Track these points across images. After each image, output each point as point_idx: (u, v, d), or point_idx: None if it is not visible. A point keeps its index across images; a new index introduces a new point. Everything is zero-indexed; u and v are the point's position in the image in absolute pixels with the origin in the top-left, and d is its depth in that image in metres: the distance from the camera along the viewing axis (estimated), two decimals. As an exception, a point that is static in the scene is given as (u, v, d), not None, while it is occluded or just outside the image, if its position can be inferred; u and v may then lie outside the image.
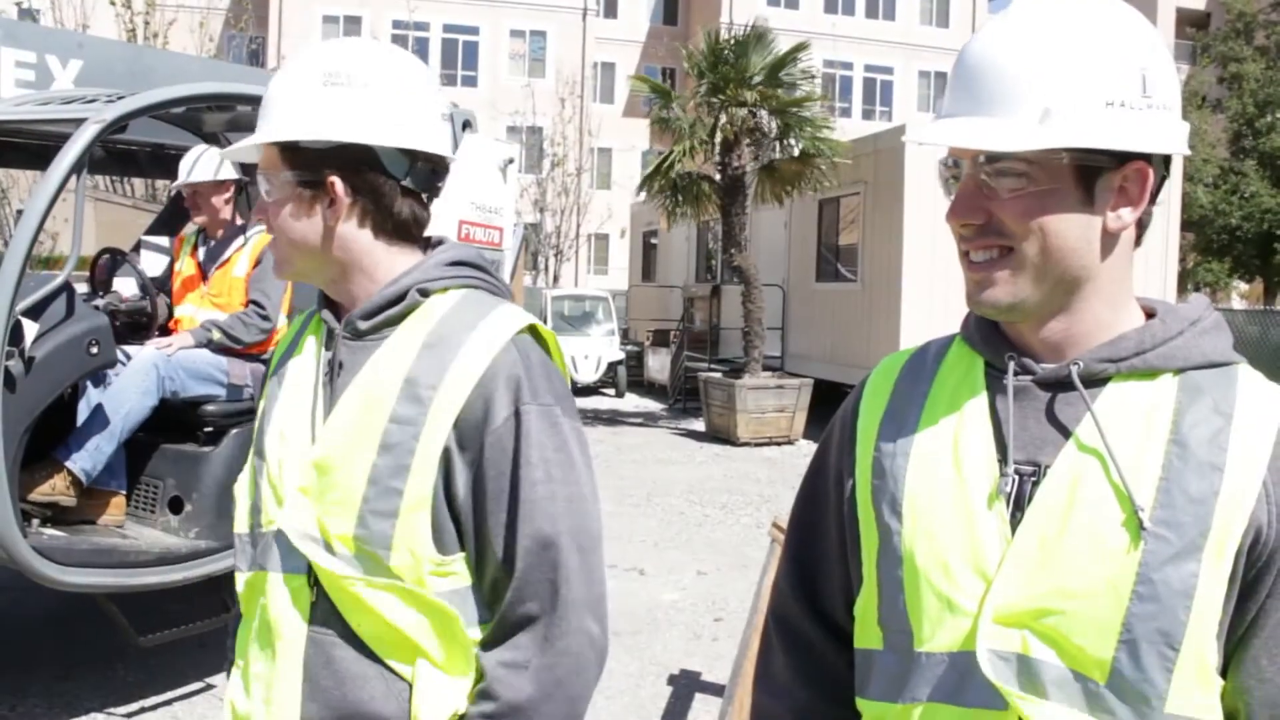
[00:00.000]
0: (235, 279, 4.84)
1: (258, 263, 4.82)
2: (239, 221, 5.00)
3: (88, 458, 4.25)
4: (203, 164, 4.84)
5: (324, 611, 1.44)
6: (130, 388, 4.33)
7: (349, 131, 1.43)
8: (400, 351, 1.44)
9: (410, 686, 1.43)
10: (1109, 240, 1.15)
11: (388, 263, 1.50)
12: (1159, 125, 1.12)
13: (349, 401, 1.45)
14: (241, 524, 1.57)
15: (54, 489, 4.19)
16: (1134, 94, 1.10)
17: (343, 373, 1.47)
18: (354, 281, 1.50)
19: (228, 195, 4.95)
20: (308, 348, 1.56)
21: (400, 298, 1.47)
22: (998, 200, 1.14)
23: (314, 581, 1.45)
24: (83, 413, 4.32)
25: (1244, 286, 34.17)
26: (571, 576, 1.41)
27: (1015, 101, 1.10)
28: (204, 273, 4.95)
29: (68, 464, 4.22)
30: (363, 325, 1.48)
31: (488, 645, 1.43)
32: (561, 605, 1.41)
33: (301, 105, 1.43)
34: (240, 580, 1.56)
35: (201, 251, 5.00)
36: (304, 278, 1.53)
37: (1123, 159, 1.12)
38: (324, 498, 1.43)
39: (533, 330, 1.49)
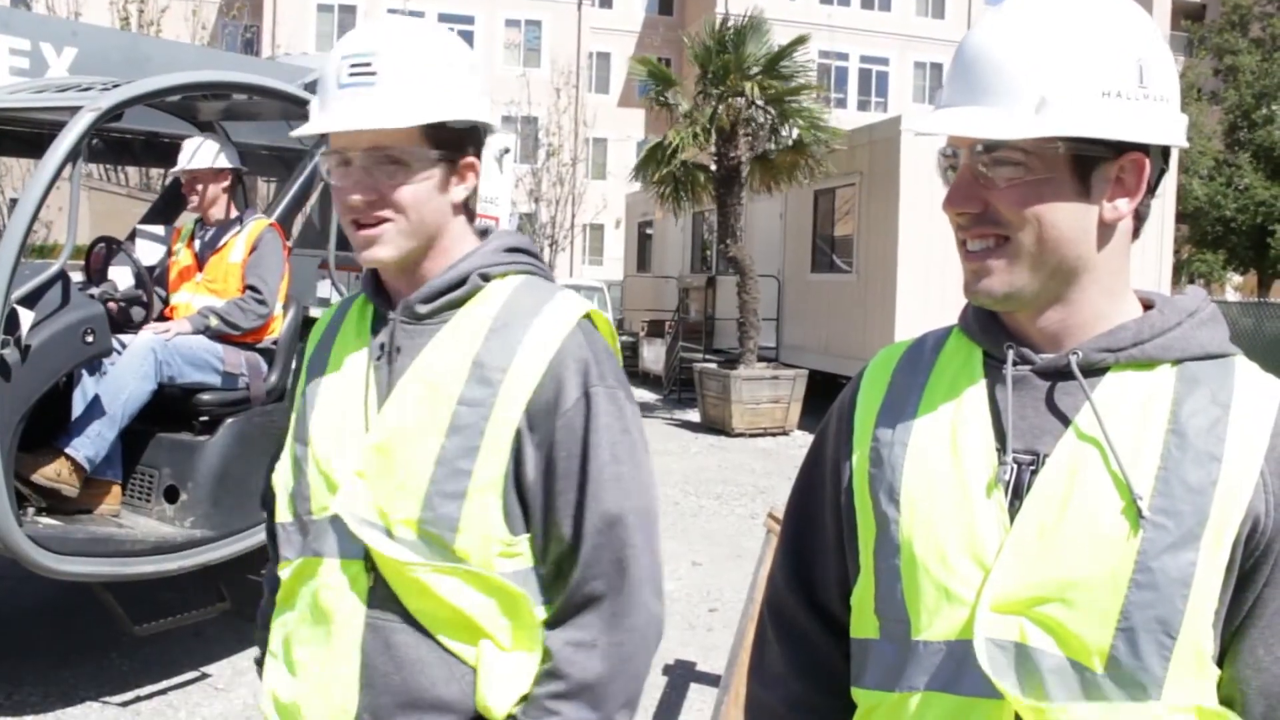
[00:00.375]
0: (231, 265, 4.83)
1: (254, 249, 4.82)
2: (235, 212, 5.00)
3: (90, 445, 4.25)
4: (203, 152, 4.85)
5: (382, 596, 1.44)
6: (128, 372, 4.33)
7: (482, 111, 1.48)
8: (465, 334, 1.46)
9: (473, 670, 1.44)
10: (1105, 231, 1.16)
11: (461, 244, 1.52)
12: (1155, 116, 1.12)
13: (410, 385, 1.45)
14: (284, 513, 1.56)
15: (58, 476, 4.19)
16: (1130, 85, 1.11)
17: (399, 356, 1.48)
18: (432, 261, 1.50)
19: (226, 184, 4.95)
20: (351, 333, 1.55)
21: (461, 282, 1.49)
22: (994, 189, 1.15)
23: (370, 566, 1.44)
24: (78, 402, 4.31)
25: (1238, 278, 34.25)
26: (639, 555, 1.46)
27: (1012, 91, 1.11)
28: (200, 262, 4.94)
29: (69, 451, 4.22)
30: (422, 309, 1.48)
31: (551, 626, 1.45)
32: (629, 583, 1.45)
33: (439, 85, 1.44)
34: (286, 568, 1.54)
35: (198, 242, 5.00)
36: (396, 260, 1.48)
37: (1119, 149, 1.13)
38: (385, 481, 1.43)
39: (589, 316, 1.53)
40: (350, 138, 1.43)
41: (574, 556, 1.44)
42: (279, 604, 1.57)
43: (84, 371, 4.28)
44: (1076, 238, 1.14)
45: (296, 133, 1.49)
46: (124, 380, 4.32)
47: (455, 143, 1.47)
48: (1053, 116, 1.09)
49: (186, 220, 5.35)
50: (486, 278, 1.50)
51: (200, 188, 4.89)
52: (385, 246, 1.45)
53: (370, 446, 1.45)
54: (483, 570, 1.42)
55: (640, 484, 1.48)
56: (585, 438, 1.44)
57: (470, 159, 1.49)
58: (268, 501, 1.69)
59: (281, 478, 1.57)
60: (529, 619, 1.45)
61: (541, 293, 1.51)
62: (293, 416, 1.60)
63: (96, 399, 4.29)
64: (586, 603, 1.44)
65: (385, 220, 1.44)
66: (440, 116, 1.43)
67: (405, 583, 1.42)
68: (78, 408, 4.30)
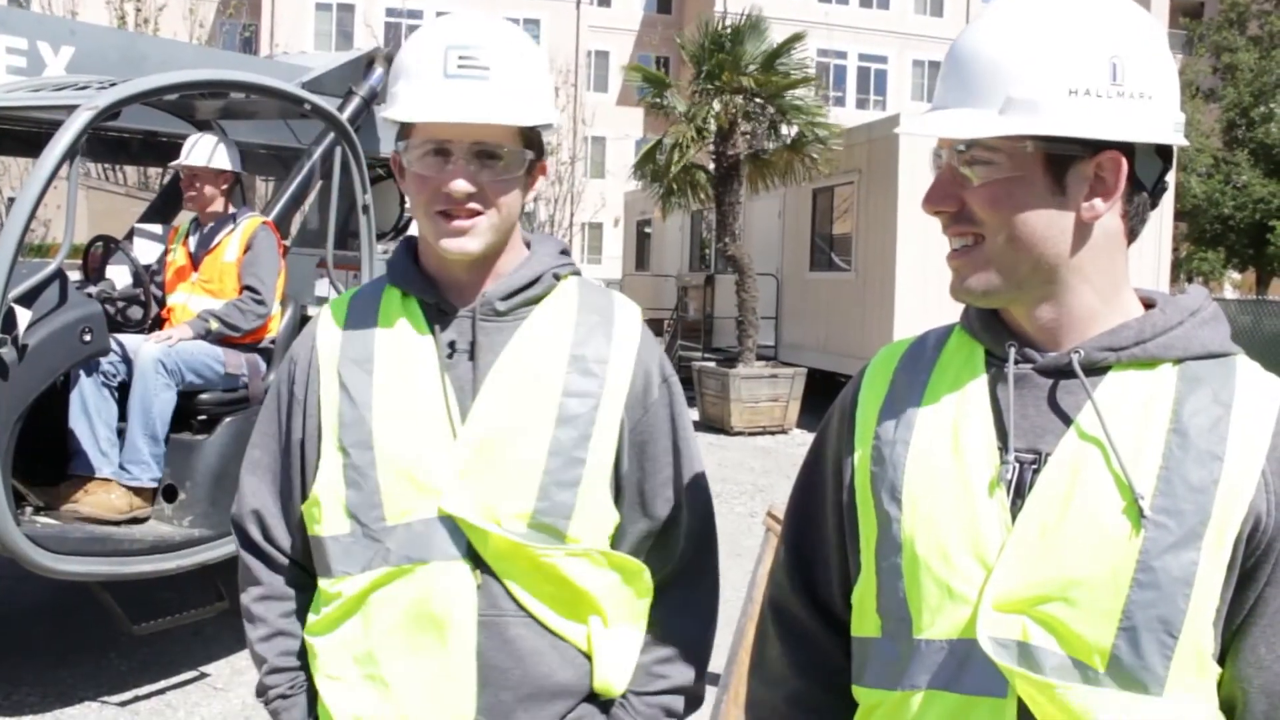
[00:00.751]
0: (226, 264, 4.83)
1: (248, 248, 4.82)
2: (231, 211, 5.00)
3: (145, 469, 4.37)
4: (203, 148, 4.85)
5: (491, 592, 1.44)
6: (148, 390, 4.38)
7: (556, 114, 1.51)
8: (552, 329, 1.51)
9: (581, 652, 1.49)
10: (1083, 230, 1.15)
11: (521, 243, 1.57)
12: (1132, 114, 1.11)
13: (503, 379, 1.47)
14: (338, 524, 1.47)
15: (131, 506, 4.32)
16: (1101, 82, 1.10)
17: (481, 353, 1.48)
18: (505, 258, 1.53)
19: (224, 185, 4.95)
20: (400, 330, 1.50)
21: (535, 280, 1.52)
22: (970, 188, 1.15)
23: (477, 563, 1.44)
24: (75, 406, 4.32)
25: (1237, 276, 34.28)
26: (714, 521, 1.63)
27: (986, 91, 1.12)
28: (195, 262, 4.94)
29: (131, 484, 4.33)
30: (502, 305, 1.50)
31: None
32: (712, 547, 1.62)
33: (540, 88, 1.47)
34: (346, 582, 1.46)
35: (193, 241, 4.99)
36: (480, 254, 1.46)
37: (1095, 148, 1.12)
38: (490, 478, 1.44)
39: None
40: (456, 129, 1.41)
41: (675, 529, 1.56)
42: (334, 620, 1.48)
43: (81, 373, 4.28)
44: (1051, 236, 1.14)
45: (397, 116, 1.43)
46: (148, 399, 4.37)
47: (539, 144, 1.50)
48: (1017, 115, 1.10)
49: (184, 219, 5.34)
50: (558, 276, 1.56)
51: (199, 185, 4.90)
52: (477, 240, 1.45)
53: (469, 444, 1.44)
54: (603, 549, 1.49)
55: (701, 458, 1.64)
56: (673, 421, 1.58)
57: (543, 161, 1.52)
58: (262, 519, 1.56)
59: (331, 489, 1.47)
60: (646, 590, 1.54)
61: (603, 292, 1.61)
62: (326, 422, 1.49)
63: (133, 428, 4.36)
64: (685, 569, 1.57)
65: (478, 214, 1.44)
66: (547, 117, 1.47)
67: (529, 570, 1.44)
68: (75, 412, 4.31)
